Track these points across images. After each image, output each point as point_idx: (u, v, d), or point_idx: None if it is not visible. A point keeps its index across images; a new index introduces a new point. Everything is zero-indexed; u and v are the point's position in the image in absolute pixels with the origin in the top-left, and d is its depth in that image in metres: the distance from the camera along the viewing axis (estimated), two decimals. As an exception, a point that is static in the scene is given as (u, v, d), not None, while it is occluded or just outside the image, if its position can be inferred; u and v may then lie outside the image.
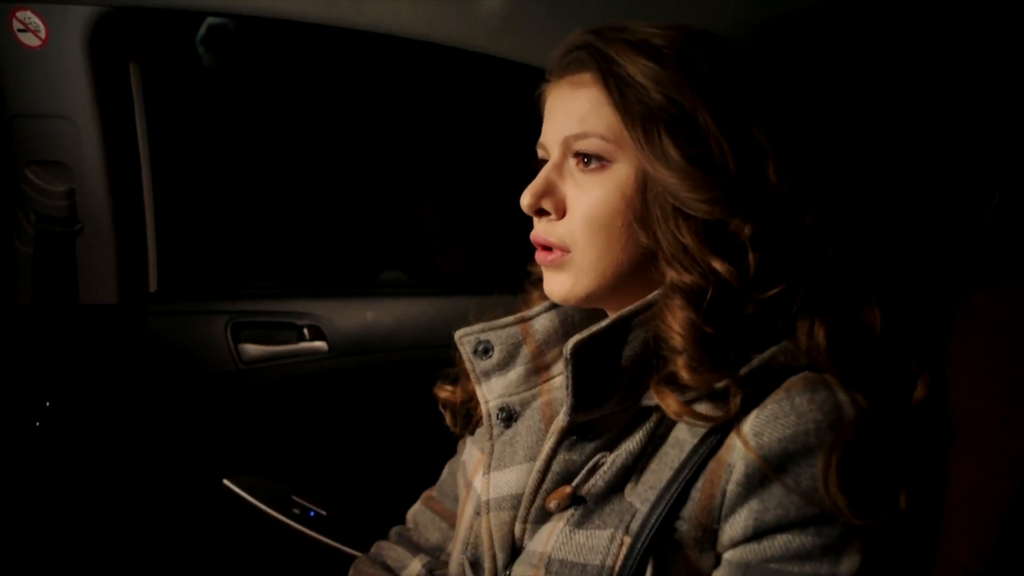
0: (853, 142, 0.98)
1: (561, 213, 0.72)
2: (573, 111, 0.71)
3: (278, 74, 1.64)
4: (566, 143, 0.71)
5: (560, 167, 0.72)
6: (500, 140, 1.67)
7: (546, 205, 0.72)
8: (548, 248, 0.73)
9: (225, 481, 1.44)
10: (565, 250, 0.71)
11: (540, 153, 0.76)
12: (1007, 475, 0.68)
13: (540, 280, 0.85)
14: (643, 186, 0.68)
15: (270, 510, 1.44)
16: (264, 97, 1.67)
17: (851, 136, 0.99)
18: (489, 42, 1.12)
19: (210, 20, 1.53)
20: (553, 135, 0.73)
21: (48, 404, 1.31)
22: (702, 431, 0.66)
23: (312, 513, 1.44)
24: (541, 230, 0.73)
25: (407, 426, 1.10)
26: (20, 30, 1.18)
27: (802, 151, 0.71)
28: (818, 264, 0.68)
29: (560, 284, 0.73)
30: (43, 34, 1.18)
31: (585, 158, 0.70)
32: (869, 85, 1.02)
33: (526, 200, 0.72)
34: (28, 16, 1.17)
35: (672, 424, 0.70)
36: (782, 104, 0.73)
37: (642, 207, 0.69)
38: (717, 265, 0.65)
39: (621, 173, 0.69)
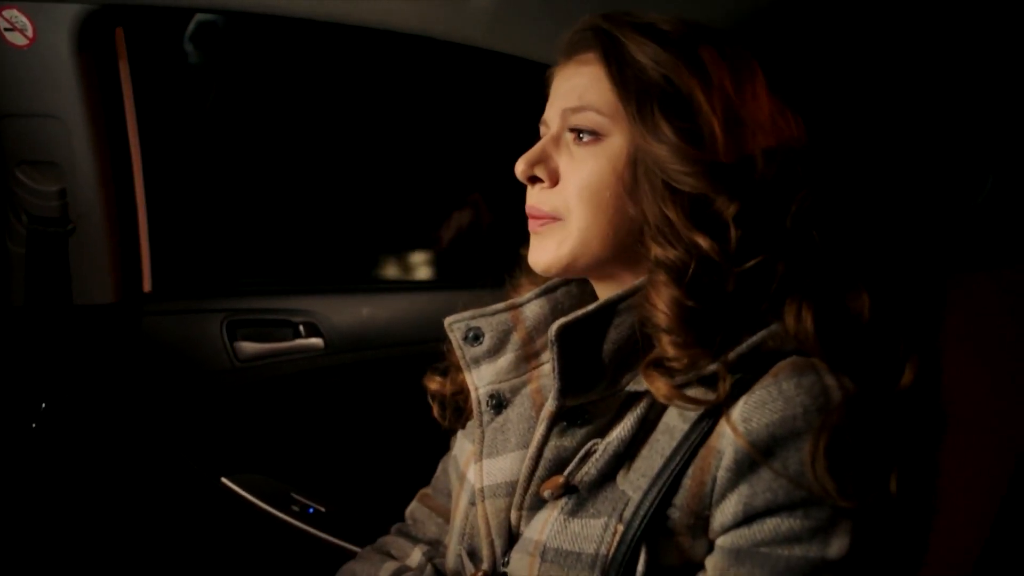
0: (843, 129, 0.98)
1: (554, 182, 0.74)
2: (574, 87, 0.74)
3: (269, 70, 1.63)
4: (564, 116, 0.74)
5: (557, 140, 0.75)
6: (495, 135, 1.67)
7: (539, 173, 0.74)
8: (539, 217, 0.75)
9: (223, 479, 1.44)
10: (556, 218, 0.74)
11: (542, 131, 0.79)
12: (1002, 461, 0.68)
13: (530, 267, 0.86)
14: (634, 161, 0.71)
15: (269, 507, 1.44)
16: (255, 93, 1.66)
17: (841, 123, 0.99)
18: (481, 36, 1.12)
19: (199, 17, 1.52)
20: (554, 111, 0.76)
21: (44, 405, 1.31)
22: (692, 417, 0.67)
23: (311, 510, 1.44)
24: (534, 199, 0.76)
25: (405, 421, 1.10)
26: (7, 29, 1.17)
27: (793, 141, 0.72)
28: (802, 245, 0.69)
29: (545, 251, 0.75)
30: (30, 33, 1.17)
31: (580, 133, 0.73)
32: (860, 70, 1.02)
33: (520, 167, 0.75)
34: (15, 15, 1.16)
35: (662, 410, 0.71)
36: (776, 96, 0.74)
37: (632, 181, 0.71)
38: (700, 240, 0.67)
39: (614, 147, 0.72)
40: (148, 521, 1.42)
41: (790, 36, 1.00)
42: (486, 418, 0.79)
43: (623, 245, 0.72)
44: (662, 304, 0.67)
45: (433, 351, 0.90)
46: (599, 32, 0.73)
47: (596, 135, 0.72)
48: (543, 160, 0.74)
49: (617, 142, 0.71)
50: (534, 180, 0.75)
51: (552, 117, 0.76)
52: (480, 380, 0.81)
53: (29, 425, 1.30)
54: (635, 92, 0.70)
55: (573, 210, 0.72)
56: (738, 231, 0.67)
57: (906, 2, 0.93)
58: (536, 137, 0.78)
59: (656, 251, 0.69)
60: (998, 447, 0.69)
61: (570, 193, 0.73)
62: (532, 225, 0.76)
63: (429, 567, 0.87)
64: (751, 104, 0.71)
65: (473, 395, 0.81)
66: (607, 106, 0.71)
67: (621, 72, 0.70)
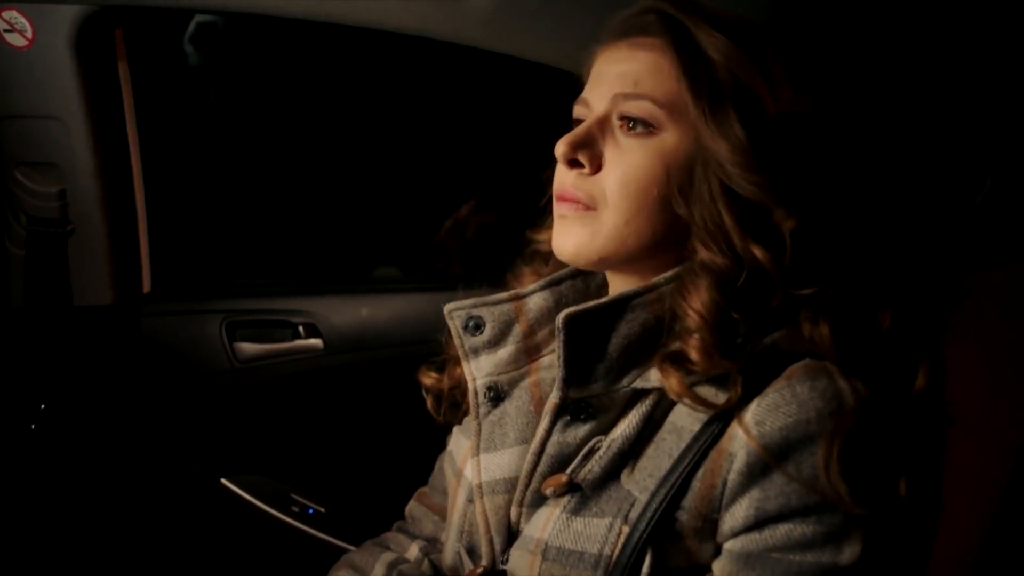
0: (863, 138, 0.99)
1: (596, 168, 0.70)
2: (628, 72, 0.69)
3: (268, 71, 1.63)
4: (615, 101, 0.70)
5: (603, 123, 0.70)
6: (496, 136, 1.67)
7: (582, 157, 0.69)
8: (570, 201, 0.71)
9: (223, 480, 1.44)
10: (591, 207, 0.70)
11: (577, 111, 0.74)
12: (1002, 461, 0.68)
13: (533, 256, 0.84)
14: (689, 159, 0.67)
15: (269, 508, 1.44)
16: (255, 94, 1.67)
17: (841, 124, 0.99)
18: (480, 36, 1.12)
19: (199, 18, 1.52)
20: (601, 93, 0.71)
21: (43, 407, 1.31)
22: (702, 418, 0.66)
23: (311, 510, 1.44)
24: (570, 183, 0.71)
25: (404, 422, 1.10)
26: (6, 30, 1.17)
27: (847, 158, 0.71)
28: (843, 266, 0.68)
29: (572, 237, 0.70)
30: (30, 34, 1.17)
31: (631, 122, 0.69)
32: (857, 70, 1.02)
33: (562, 148, 0.70)
34: (14, 16, 1.16)
35: (668, 409, 0.69)
36: (833, 111, 0.73)
37: (684, 181, 0.68)
38: (757, 251, 0.65)
39: (668, 142, 0.68)
40: (148, 522, 1.42)
41: (787, 37, 1.00)
42: (483, 410, 0.77)
43: (658, 244, 0.70)
44: (698, 305, 0.65)
45: (433, 351, 0.89)
46: (667, 19, 0.68)
47: (649, 127, 0.68)
48: (588, 144, 0.69)
49: (672, 138, 0.68)
50: (575, 164, 0.70)
51: (596, 99, 0.71)
52: (478, 371, 0.78)
53: (28, 426, 1.29)
54: (707, 90, 0.66)
55: (612, 203, 0.68)
56: (792, 248, 0.65)
57: (904, 2, 0.93)
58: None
59: (703, 254, 0.66)
60: (998, 447, 0.69)
61: (612, 184, 0.68)
62: (562, 208, 0.72)
63: (426, 562, 0.86)
64: (810, 115, 0.69)
65: (471, 386, 0.78)
66: (665, 98, 0.67)
67: (693, 67, 0.66)
